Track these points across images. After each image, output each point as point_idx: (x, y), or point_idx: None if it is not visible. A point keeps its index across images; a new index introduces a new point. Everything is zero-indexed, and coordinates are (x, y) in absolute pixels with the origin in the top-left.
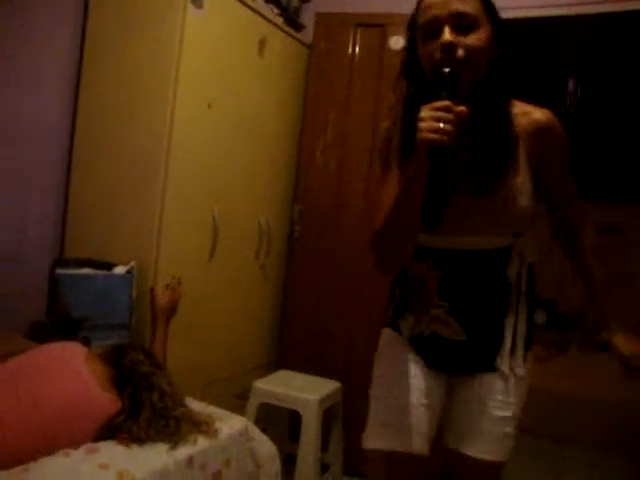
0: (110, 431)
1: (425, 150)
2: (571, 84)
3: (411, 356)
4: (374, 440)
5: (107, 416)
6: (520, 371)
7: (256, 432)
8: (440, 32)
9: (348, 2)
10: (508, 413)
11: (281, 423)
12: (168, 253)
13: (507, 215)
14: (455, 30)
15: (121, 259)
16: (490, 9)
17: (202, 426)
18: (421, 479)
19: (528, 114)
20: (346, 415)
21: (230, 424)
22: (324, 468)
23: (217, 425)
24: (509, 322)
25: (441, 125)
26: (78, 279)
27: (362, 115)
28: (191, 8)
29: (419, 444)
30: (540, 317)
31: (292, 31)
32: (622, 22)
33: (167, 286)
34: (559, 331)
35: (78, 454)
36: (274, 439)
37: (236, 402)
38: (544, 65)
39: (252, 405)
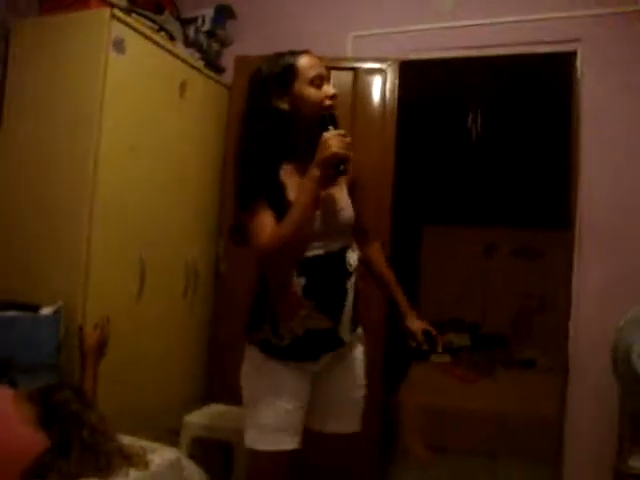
0: (40, 471)
1: (332, 162)
2: (471, 119)
3: (282, 367)
4: (267, 443)
5: (34, 455)
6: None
7: (188, 463)
8: (323, 85)
9: (266, 45)
10: (362, 392)
11: (215, 456)
12: (96, 293)
13: (344, 221)
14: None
15: (47, 300)
16: None
17: (133, 458)
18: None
19: None
20: None
21: (162, 455)
22: None
23: (148, 457)
24: (349, 300)
25: (344, 145)
26: (2, 322)
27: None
28: (113, 52)
29: (298, 440)
30: (464, 340)
31: (213, 74)
32: (518, 63)
33: (96, 325)
34: (483, 352)
35: None
36: (211, 474)
37: (169, 438)
38: (447, 102)
39: (185, 439)
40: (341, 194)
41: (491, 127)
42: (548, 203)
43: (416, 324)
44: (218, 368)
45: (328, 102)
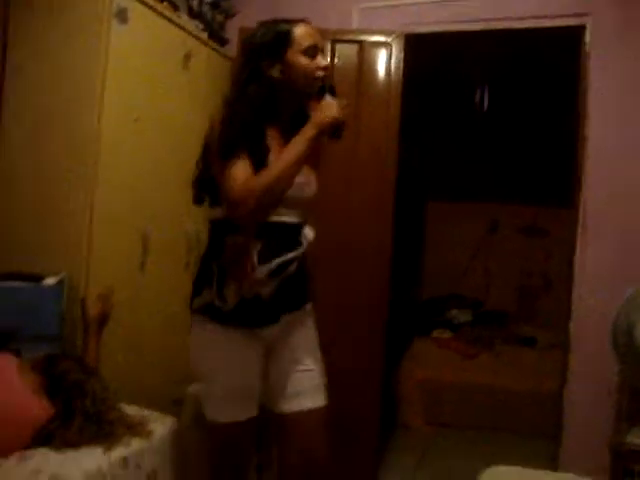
0: (44, 438)
1: (336, 125)
2: (478, 94)
3: (231, 336)
4: (221, 415)
5: (39, 423)
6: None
7: (189, 432)
8: (317, 55)
9: (271, 17)
10: (319, 366)
11: None
12: (99, 263)
13: (308, 194)
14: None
15: (51, 271)
16: None
17: (136, 428)
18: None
19: None
20: None
21: (163, 424)
22: (259, 469)
23: (151, 426)
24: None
25: (346, 110)
26: (5, 292)
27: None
28: (115, 22)
29: (254, 410)
30: (466, 316)
31: (217, 45)
32: (526, 37)
33: (98, 296)
34: (484, 328)
35: (9, 462)
36: None
37: (173, 409)
38: (454, 76)
39: (187, 411)
40: (309, 170)
41: (498, 102)
42: (553, 181)
43: None
44: None
45: (320, 73)
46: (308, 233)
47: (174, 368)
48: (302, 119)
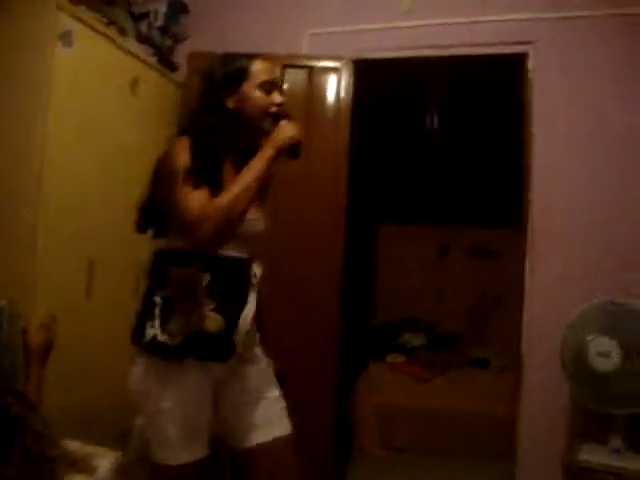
0: None
1: (294, 144)
2: (429, 120)
3: (182, 372)
4: (174, 457)
5: None
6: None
7: (135, 467)
8: (273, 91)
9: (221, 42)
10: (277, 393)
11: None
12: (42, 290)
13: (259, 232)
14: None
15: None
16: None
17: (79, 464)
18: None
19: None
20: None
21: (108, 460)
22: None
23: (95, 462)
24: (251, 310)
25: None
26: None
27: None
28: (60, 45)
29: (205, 449)
30: (420, 339)
31: (166, 71)
32: (474, 63)
33: (41, 325)
34: (438, 351)
35: None
36: None
37: (120, 441)
38: (406, 102)
39: (134, 444)
40: (257, 206)
41: (447, 127)
42: (502, 203)
43: None
44: None
45: (274, 109)
46: (257, 269)
47: (123, 398)
48: (254, 154)
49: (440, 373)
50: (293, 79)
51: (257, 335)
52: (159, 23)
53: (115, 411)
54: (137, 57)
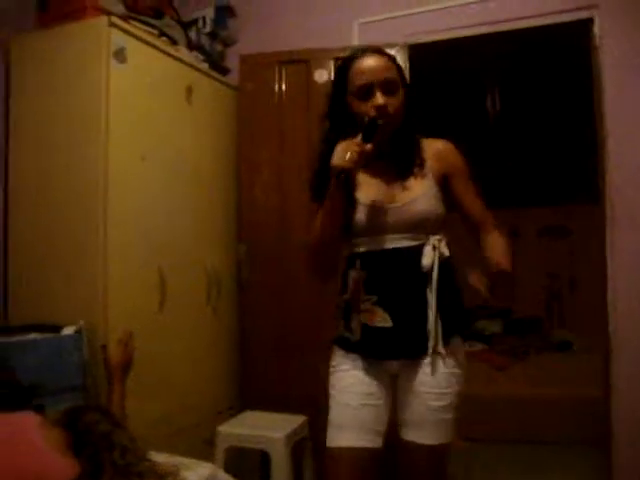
0: None
1: (335, 174)
2: (489, 98)
3: (353, 364)
4: (332, 440)
5: None
6: (452, 354)
7: (224, 476)
8: (372, 94)
9: (271, 42)
10: (443, 402)
11: (253, 465)
12: (117, 308)
13: (412, 216)
14: (384, 93)
15: (68, 320)
16: (403, 76)
17: (167, 478)
18: (374, 468)
19: (432, 144)
20: (317, 447)
21: (197, 471)
22: None
23: (183, 474)
24: (430, 306)
25: (348, 155)
26: (24, 345)
27: (296, 149)
28: (114, 62)
29: (366, 439)
30: (496, 326)
31: (218, 75)
32: (533, 36)
33: (119, 341)
34: (516, 337)
35: None
36: None
37: (205, 449)
38: (465, 82)
39: (219, 450)
40: (412, 187)
41: (510, 105)
42: (571, 179)
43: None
44: (251, 375)
45: (372, 113)
46: (426, 256)
47: (203, 407)
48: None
49: (521, 359)
50: None
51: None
52: (208, 29)
53: (198, 419)
54: (190, 65)
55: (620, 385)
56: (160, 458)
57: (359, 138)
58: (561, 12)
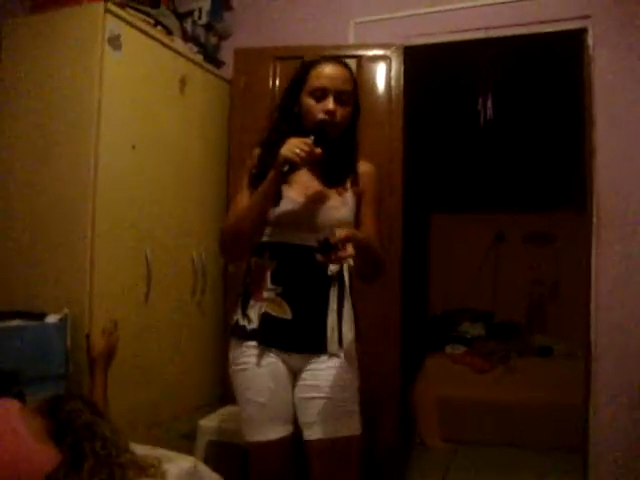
0: None
1: (280, 163)
2: (480, 103)
3: (253, 359)
4: (250, 435)
5: (45, 471)
6: (351, 352)
7: (205, 470)
8: (325, 98)
9: (266, 37)
10: (345, 394)
11: (233, 460)
12: (102, 297)
13: (331, 219)
14: (336, 101)
15: (53, 308)
16: (356, 93)
17: (149, 470)
18: (291, 452)
19: (362, 164)
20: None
21: (178, 464)
22: None
23: (164, 467)
24: (332, 308)
25: (297, 150)
26: (6, 332)
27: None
28: (109, 50)
29: (281, 429)
30: (478, 329)
31: (212, 68)
32: (528, 43)
33: (103, 331)
34: (498, 341)
35: None
36: (228, 478)
37: (184, 443)
38: (458, 86)
39: (200, 444)
40: (336, 196)
41: (501, 110)
42: (557, 187)
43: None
44: None
45: (321, 116)
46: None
47: (185, 401)
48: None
49: (501, 363)
50: None
51: (337, 331)
52: (203, 21)
53: (179, 412)
54: (184, 56)
55: (599, 393)
56: (142, 450)
57: (311, 139)
58: (555, 21)
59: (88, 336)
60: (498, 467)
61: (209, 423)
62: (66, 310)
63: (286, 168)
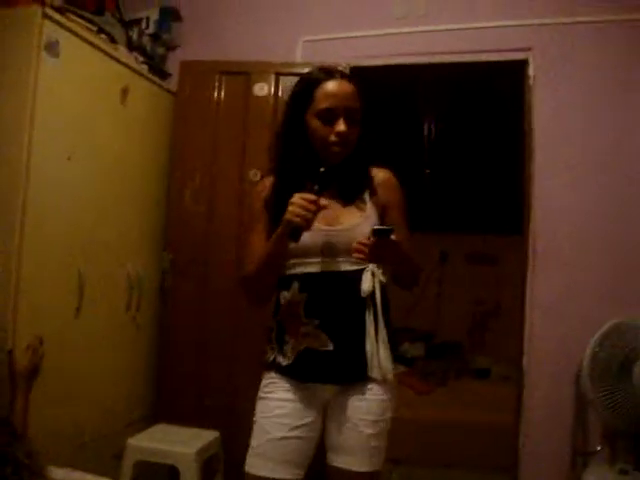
0: None
1: (287, 226)
2: (426, 126)
3: (284, 393)
4: (252, 467)
5: None
6: (389, 377)
7: None
8: (336, 119)
9: (214, 50)
10: (376, 430)
11: None
12: (28, 312)
13: (355, 239)
14: (346, 120)
15: None
16: (363, 109)
17: None
18: None
19: (378, 173)
20: (229, 463)
21: None
22: None
23: None
24: (369, 332)
25: (303, 213)
26: None
27: (229, 160)
28: (45, 56)
29: (288, 472)
30: (418, 349)
31: (157, 79)
32: (473, 70)
33: (27, 347)
34: (437, 361)
35: None
36: None
37: (115, 463)
38: (402, 107)
39: (127, 464)
40: (357, 211)
41: (445, 133)
42: (501, 209)
43: None
44: (166, 387)
45: (332, 139)
46: (365, 281)
47: (114, 419)
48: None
49: (440, 384)
50: (288, 87)
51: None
52: (150, 30)
53: (108, 431)
54: (127, 66)
55: (529, 415)
56: (59, 473)
57: (315, 189)
58: (497, 51)
59: (11, 352)
60: None
61: (137, 442)
62: None
63: (294, 234)
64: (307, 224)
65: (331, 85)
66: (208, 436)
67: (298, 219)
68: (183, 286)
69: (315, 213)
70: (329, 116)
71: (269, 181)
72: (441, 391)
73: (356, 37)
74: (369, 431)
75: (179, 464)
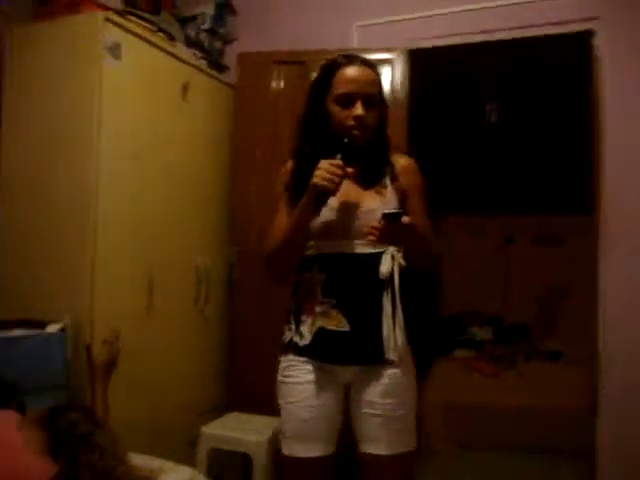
0: None
1: (314, 191)
2: (487, 106)
3: (304, 375)
4: (289, 449)
5: None
6: (407, 358)
7: None
8: (353, 104)
9: (269, 41)
10: (401, 412)
11: (235, 468)
12: (103, 307)
13: (373, 222)
14: (364, 105)
15: (53, 317)
16: (382, 92)
17: None
18: (330, 471)
19: (399, 159)
20: None
21: (175, 475)
22: None
23: (162, 478)
24: (386, 314)
25: (330, 176)
26: (6, 341)
27: (289, 151)
28: (108, 59)
29: (321, 448)
30: (487, 333)
31: (216, 73)
32: (534, 45)
33: (104, 341)
34: (506, 345)
35: None
36: None
37: (189, 450)
38: (463, 90)
39: (202, 451)
40: (376, 195)
41: (508, 113)
42: (568, 189)
43: None
44: (237, 376)
45: (350, 123)
46: (385, 264)
47: (188, 408)
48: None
49: (509, 367)
50: None
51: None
52: (207, 26)
53: (182, 420)
54: (186, 62)
55: (607, 399)
56: (139, 460)
57: (339, 158)
58: (562, 23)
59: (89, 346)
60: (504, 472)
61: (211, 430)
62: (66, 319)
63: (322, 199)
64: (333, 189)
65: (350, 71)
66: (279, 424)
67: (325, 182)
68: (250, 278)
69: (342, 178)
70: (347, 100)
71: (290, 165)
72: (510, 374)
73: (412, 19)
74: (392, 414)
75: (251, 451)
